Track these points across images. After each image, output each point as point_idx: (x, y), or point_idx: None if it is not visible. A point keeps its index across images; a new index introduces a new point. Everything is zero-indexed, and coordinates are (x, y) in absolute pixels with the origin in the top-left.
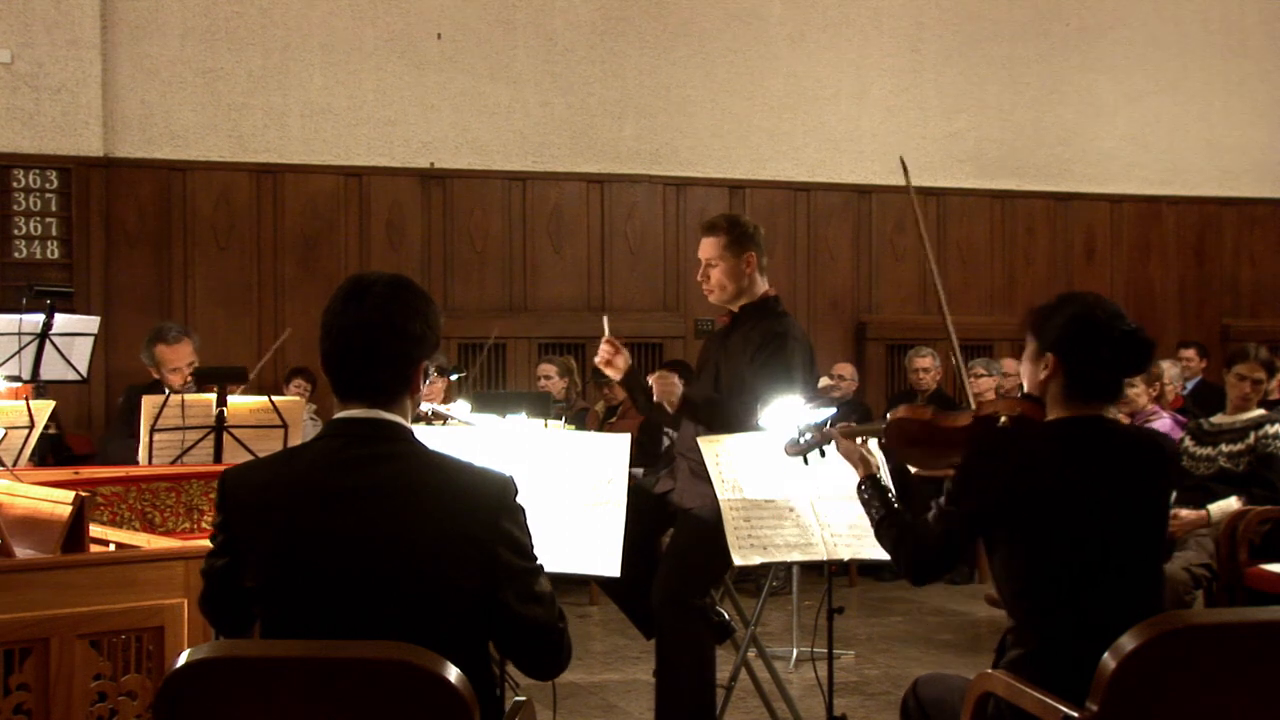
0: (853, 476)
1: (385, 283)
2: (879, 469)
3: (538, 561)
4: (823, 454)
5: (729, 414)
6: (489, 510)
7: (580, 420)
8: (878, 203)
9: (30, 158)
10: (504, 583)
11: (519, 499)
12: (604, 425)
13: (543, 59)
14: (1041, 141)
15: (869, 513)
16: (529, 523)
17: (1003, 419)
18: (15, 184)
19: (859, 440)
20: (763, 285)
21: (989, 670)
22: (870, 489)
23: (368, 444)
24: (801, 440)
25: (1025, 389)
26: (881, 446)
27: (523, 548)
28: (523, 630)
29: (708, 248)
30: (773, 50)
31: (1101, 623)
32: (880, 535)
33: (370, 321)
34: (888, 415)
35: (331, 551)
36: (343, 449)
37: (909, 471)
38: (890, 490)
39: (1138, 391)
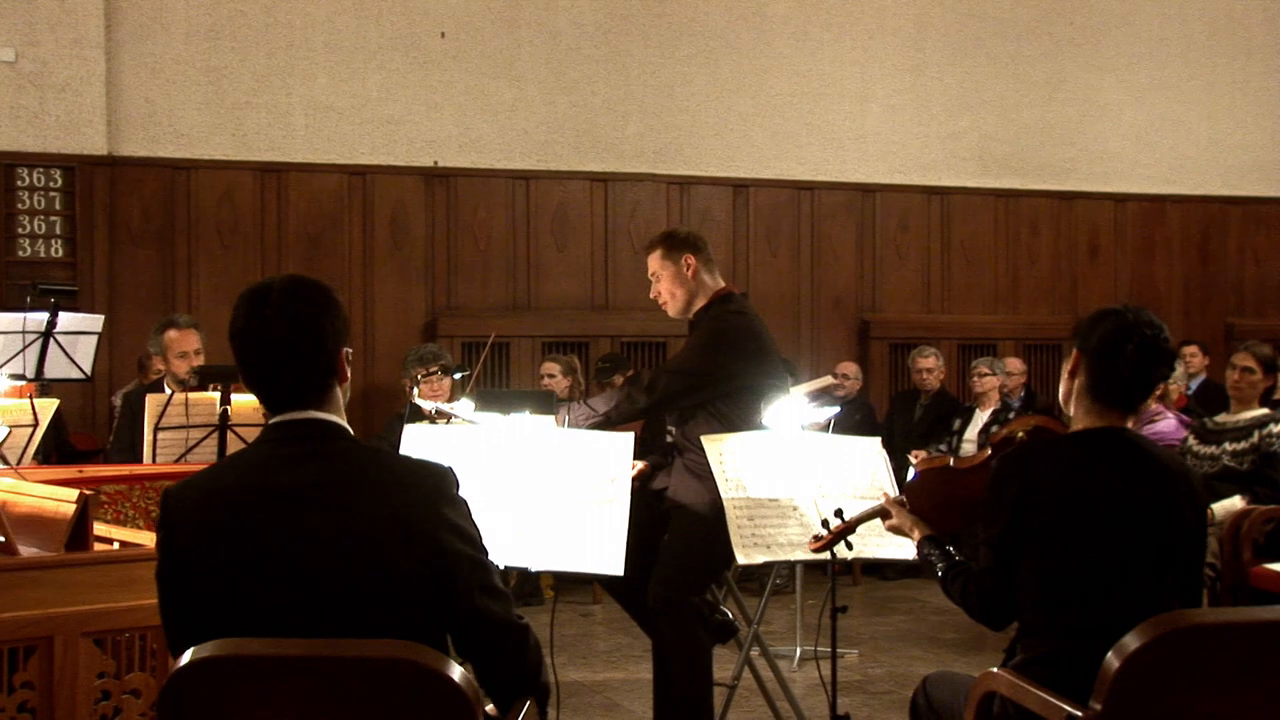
0: (856, 475)
1: (281, 290)
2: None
3: (489, 555)
4: (849, 546)
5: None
6: (427, 498)
7: None
8: (881, 201)
9: (35, 156)
10: (454, 571)
11: (460, 490)
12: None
13: (546, 57)
14: (1045, 140)
15: (937, 575)
16: (474, 514)
17: (1020, 434)
18: (20, 183)
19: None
20: (714, 285)
21: (993, 669)
22: (930, 548)
23: (304, 443)
24: (825, 533)
25: (1060, 398)
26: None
27: (469, 536)
28: (482, 625)
29: (650, 264)
30: (776, 49)
31: (1115, 633)
32: (949, 591)
33: (279, 333)
34: (907, 479)
35: (278, 551)
36: (279, 449)
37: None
38: (948, 545)
39: None
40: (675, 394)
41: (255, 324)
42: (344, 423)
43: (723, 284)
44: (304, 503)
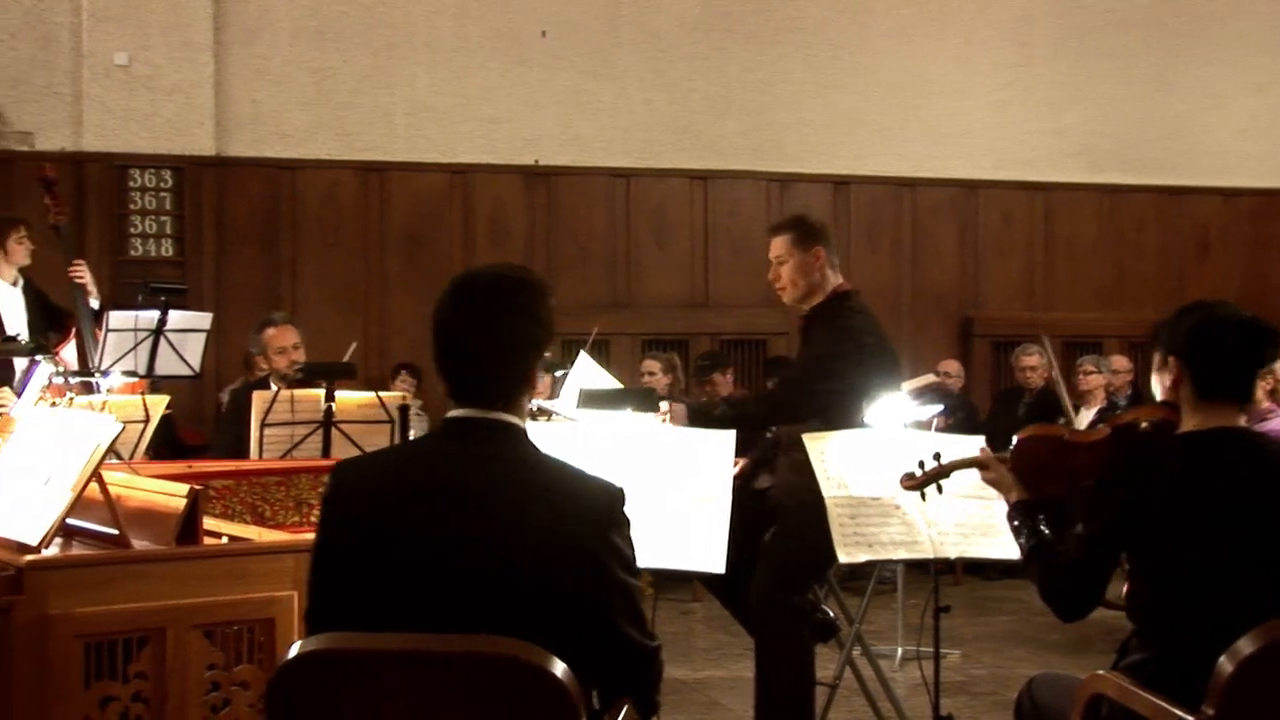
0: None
1: (492, 281)
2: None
3: (638, 577)
4: (940, 489)
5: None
6: (598, 521)
7: None
8: (984, 198)
9: (146, 157)
10: (609, 596)
11: (627, 510)
12: None
13: (646, 55)
14: (1152, 134)
15: (1018, 542)
16: (633, 535)
17: (1143, 424)
18: (132, 183)
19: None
20: (834, 280)
21: (1100, 671)
22: (1021, 516)
23: (479, 443)
24: (918, 473)
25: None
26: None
27: (628, 562)
28: (621, 649)
29: (776, 247)
30: (877, 45)
31: (1229, 636)
32: (1028, 568)
33: (479, 325)
34: (1014, 439)
35: (431, 548)
36: (452, 447)
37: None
38: (1041, 518)
39: None
40: (801, 408)
41: (457, 316)
42: (525, 426)
43: (841, 280)
44: (471, 504)
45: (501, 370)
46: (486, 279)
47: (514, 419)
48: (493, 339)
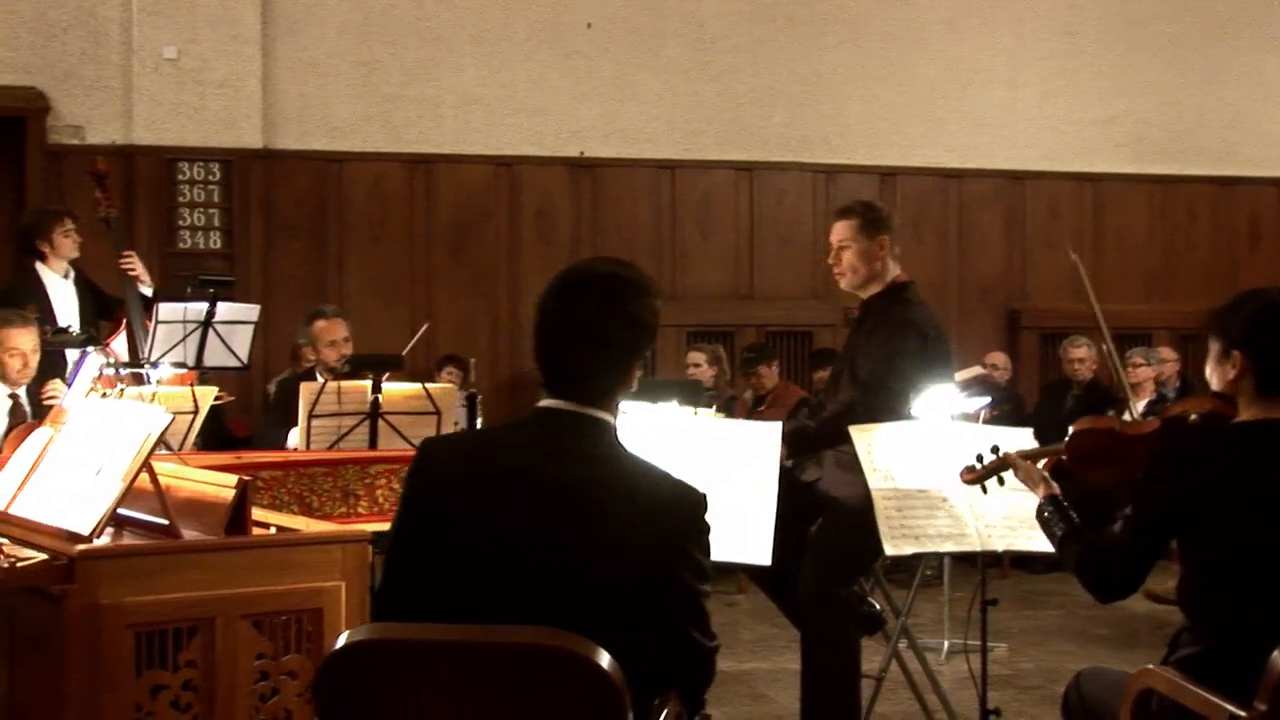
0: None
1: (599, 278)
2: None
3: (709, 583)
4: (1001, 481)
5: (823, 434)
6: (677, 527)
7: (729, 408)
8: (1031, 189)
9: (194, 150)
10: (679, 600)
11: (708, 518)
12: (753, 413)
13: (692, 47)
14: (1204, 124)
15: (1050, 533)
16: (711, 542)
17: (1192, 416)
18: (180, 176)
19: (1040, 463)
20: (894, 271)
21: (1150, 666)
22: (1051, 509)
23: (567, 437)
24: (978, 466)
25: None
26: (1063, 465)
27: (702, 571)
28: (686, 654)
29: (840, 231)
30: (924, 35)
31: None
32: (1064, 555)
33: (582, 322)
34: (1070, 429)
35: (505, 538)
36: (541, 437)
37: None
38: (1071, 509)
39: None
40: (884, 406)
41: (561, 311)
42: (616, 424)
43: (900, 271)
44: (550, 497)
45: (600, 368)
46: (593, 275)
47: (606, 416)
48: (594, 337)
